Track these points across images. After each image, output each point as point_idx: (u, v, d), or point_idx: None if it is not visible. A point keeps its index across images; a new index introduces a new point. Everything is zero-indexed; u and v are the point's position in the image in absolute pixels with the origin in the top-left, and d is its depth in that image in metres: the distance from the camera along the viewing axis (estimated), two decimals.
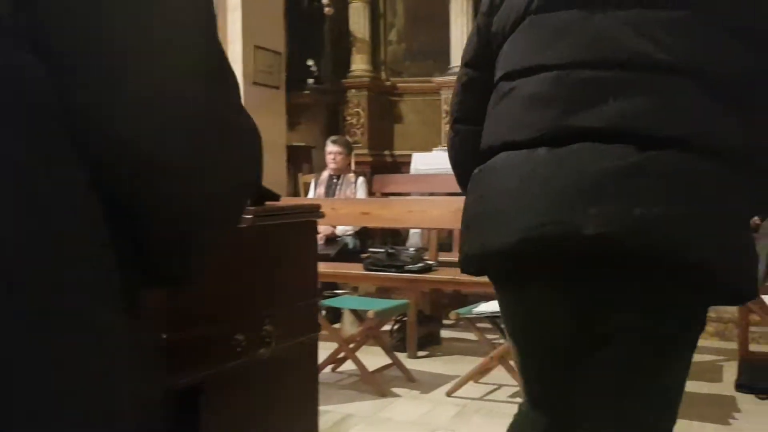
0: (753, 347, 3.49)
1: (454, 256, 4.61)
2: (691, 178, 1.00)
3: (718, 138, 1.03)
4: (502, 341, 3.21)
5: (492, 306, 3.19)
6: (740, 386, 3.17)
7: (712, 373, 3.40)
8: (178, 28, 0.51)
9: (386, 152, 6.24)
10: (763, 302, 2.68)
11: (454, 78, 6.33)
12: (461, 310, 3.25)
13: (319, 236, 4.55)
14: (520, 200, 1.04)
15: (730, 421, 2.81)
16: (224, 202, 0.57)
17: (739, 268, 1.06)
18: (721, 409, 2.91)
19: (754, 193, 1.09)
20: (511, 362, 3.10)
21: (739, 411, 2.93)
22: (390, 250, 3.80)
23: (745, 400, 3.05)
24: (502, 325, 3.58)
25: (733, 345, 3.53)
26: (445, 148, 5.81)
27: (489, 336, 3.32)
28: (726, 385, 3.24)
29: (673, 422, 1.12)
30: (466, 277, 3.61)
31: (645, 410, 1.10)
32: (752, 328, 3.51)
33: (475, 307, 3.25)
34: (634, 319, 1.07)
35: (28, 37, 0.45)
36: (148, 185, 0.50)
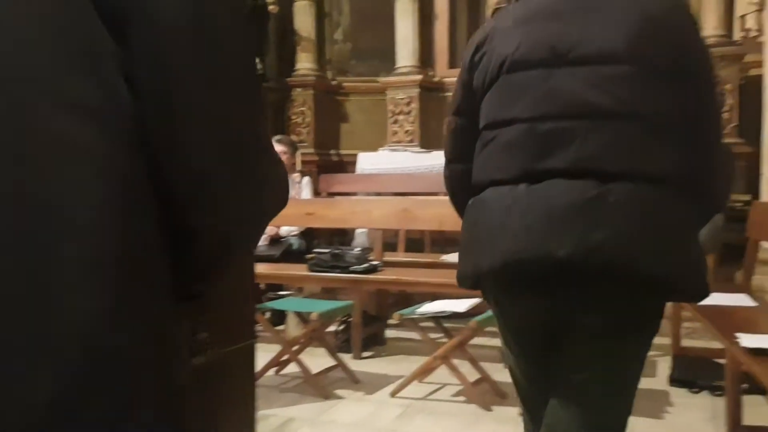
0: (685, 342, 3.61)
1: (399, 256, 4.63)
2: (641, 203, 1.22)
3: (660, 168, 1.25)
4: (445, 340, 3.23)
5: (435, 306, 3.22)
6: (673, 380, 3.28)
7: (647, 368, 3.45)
8: (237, 67, 0.58)
9: (332, 152, 6.20)
10: None
11: (399, 78, 6.35)
12: (404, 311, 3.26)
13: (263, 237, 4.49)
14: (503, 230, 1.27)
15: (664, 414, 2.91)
16: (259, 223, 0.64)
17: (687, 273, 1.27)
18: (654, 403, 3.00)
19: (697, 209, 1.32)
20: (454, 361, 3.13)
21: (672, 405, 3.03)
22: (335, 251, 3.78)
23: (678, 394, 3.16)
24: (445, 324, 3.61)
25: (667, 340, 3.64)
26: (391, 147, 5.86)
27: (432, 335, 3.34)
28: (659, 380, 3.35)
29: (628, 413, 1.34)
30: (410, 278, 3.63)
31: (606, 399, 1.32)
32: (685, 324, 3.63)
33: (419, 307, 3.27)
34: (597, 322, 1.28)
35: (122, 66, 0.52)
36: (201, 201, 0.55)
